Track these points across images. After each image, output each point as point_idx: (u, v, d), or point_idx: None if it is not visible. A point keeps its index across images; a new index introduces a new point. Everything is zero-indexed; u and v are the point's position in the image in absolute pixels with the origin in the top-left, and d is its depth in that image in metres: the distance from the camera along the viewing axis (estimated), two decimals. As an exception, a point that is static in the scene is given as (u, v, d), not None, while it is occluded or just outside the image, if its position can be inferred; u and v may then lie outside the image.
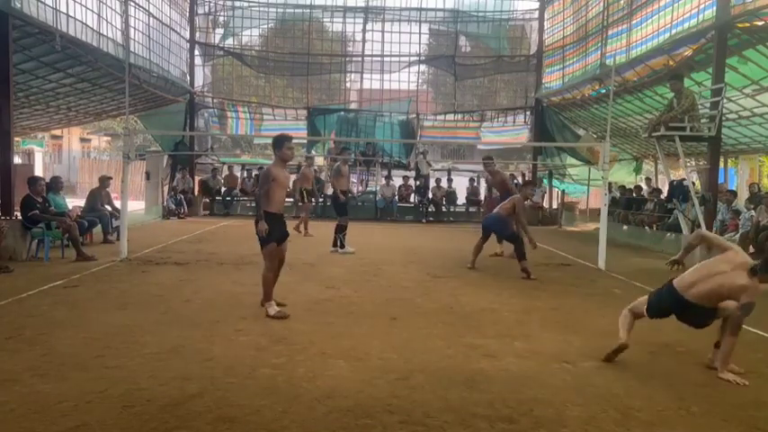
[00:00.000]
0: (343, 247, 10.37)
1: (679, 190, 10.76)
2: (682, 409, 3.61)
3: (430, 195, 18.91)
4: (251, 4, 20.40)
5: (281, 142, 5.79)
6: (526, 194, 9.29)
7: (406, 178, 19.47)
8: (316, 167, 14.45)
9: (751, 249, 10.67)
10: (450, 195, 19.26)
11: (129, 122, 13.98)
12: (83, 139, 35.82)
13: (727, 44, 10.31)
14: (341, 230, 10.43)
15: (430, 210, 18.79)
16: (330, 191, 19.73)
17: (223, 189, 18.96)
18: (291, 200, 18.38)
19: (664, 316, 4.47)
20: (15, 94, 10.70)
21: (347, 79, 22.39)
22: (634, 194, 16.45)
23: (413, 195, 19.25)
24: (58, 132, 30.47)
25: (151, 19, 16.19)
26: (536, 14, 20.75)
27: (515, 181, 19.10)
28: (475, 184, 19.58)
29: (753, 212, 11.87)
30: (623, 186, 17.72)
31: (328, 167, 21.16)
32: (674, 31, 12.49)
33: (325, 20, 21.54)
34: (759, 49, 10.49)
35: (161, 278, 7.48)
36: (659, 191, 15.74)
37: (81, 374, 3.88)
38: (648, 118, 13.05)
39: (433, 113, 21.59)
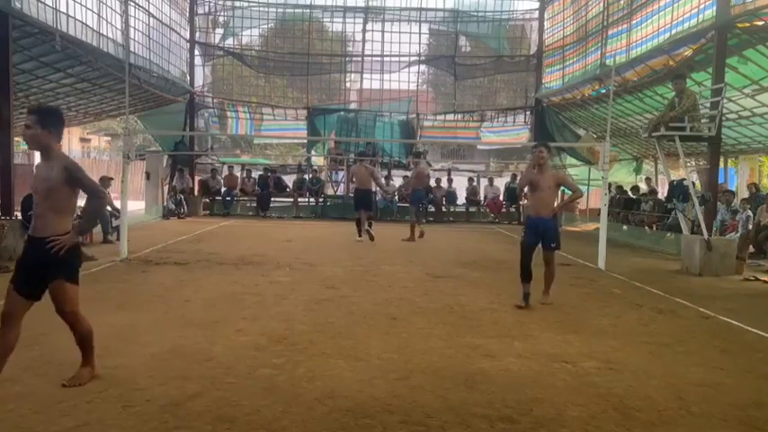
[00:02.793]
0: (360, 234, 11.78)
1: (679, 190, 10.75)
2: (682, 409, 3.60)
3: (430, 195, 18.89)
4: (251, 4, 20.38)
5: None
6: None
7: (406, 178, 19.44)
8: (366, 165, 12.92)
9: (751, 249, 10.67)
10: (450, 195, 19.25)
11: (129, 122, 14.00)
12: (83, 139, 35.86)
13: (727, 44, 10.30)
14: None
15: (430, 210, 18.79)
16: (329, 191, 20.00)
17: (223, 189, 18.97)
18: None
19: None
20: (15, 94, 10.70)
21: (347, 79, 22.36)
22: (633, 196, 16.41)
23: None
24: (57, 132, 30.44)
25: (151, 19, 16.19)
26: (536, 14, 20.74)
27: (512, 185, 19.16)
28: (474, 183, 19.59)
29: (749, 212, 11.88)
30: (620, 187, 17.70)
31: (328, 167, 21.21)
32: (674, 31, 12.49)
33: (325, 20, 21.53)
34: (759, 49, 10.49)
35: (161, 278, 7.48)
36: (655, 191, 15.73)
37: (81, 374, 3.87)
38: (648, 118, 13.04)
39: (432, 113, 21.57)
